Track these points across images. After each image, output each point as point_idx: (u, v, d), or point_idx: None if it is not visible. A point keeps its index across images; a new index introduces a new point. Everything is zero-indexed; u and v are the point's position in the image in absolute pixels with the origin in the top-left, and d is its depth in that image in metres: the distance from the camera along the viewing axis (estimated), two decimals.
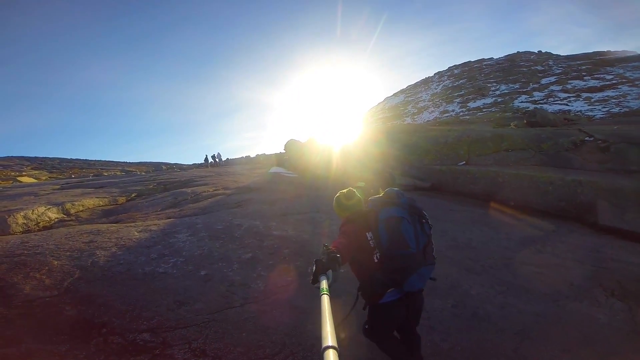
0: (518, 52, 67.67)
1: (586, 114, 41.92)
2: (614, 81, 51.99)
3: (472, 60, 70.82)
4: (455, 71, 67.76)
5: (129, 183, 13.44)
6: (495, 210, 8.72)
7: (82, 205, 8.26)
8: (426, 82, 74.59)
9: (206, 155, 28.55)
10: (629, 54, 57.86)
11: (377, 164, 12.37)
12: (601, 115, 37.07)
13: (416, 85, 75.74)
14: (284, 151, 25.83)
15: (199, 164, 35.13)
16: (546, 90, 55.23)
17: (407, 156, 11.95)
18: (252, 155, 37.49)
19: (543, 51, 64.89)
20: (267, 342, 2.61)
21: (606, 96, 48.62)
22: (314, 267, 1.58)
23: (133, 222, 6.40)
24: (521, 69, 62.33)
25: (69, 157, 69.66)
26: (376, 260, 1.94)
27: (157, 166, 37.49)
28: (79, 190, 11.40)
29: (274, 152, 34.34)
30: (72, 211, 7.78)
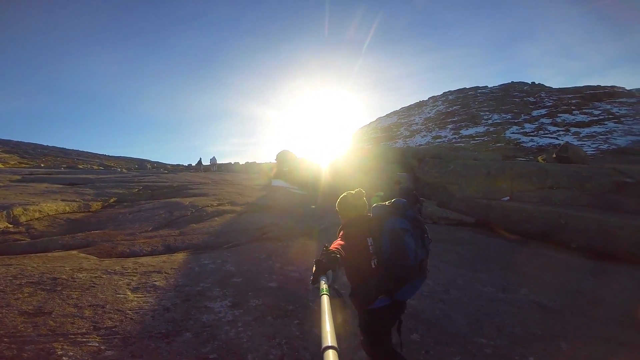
0: (512, 82, 69.42)
1: None
2: (601, 117, 53.68)
3: (467, 87, 71.97)
4: (450, 97, 68.54)
5: (107, 182, 11.03)
6: (564, 253, 7.55)
7: (40, 212, 5.94)
8: (420, 105, 75.15)
9: (200, 159, 25.55)
10: (617, 90, 60.06)
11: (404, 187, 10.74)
12: (591, 152, 37.51)
13: (410, 107, 76.13)
14: (276, 161, 24.22)
15: (186, 165, 32.09)
16: (537, 123, 56.36)
17: (446, 185, 10.33)
18: (241, 162, 35.00)
19: (536, 82, 66.80)
20: None
21: (594, 132, 49.95)
22: (314, 268, 1.57)
23: (112, 252, 4.27)
24: (514, 99, 63.71)
25: (45, 144, 64.86)
26: (373, 267, 1.89)
27: (140, 164, 31.55)
28: (42, 186, 8.95)
29: (264, 162, 32.40)
30: (23, 219, 5.46)
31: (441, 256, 5.44)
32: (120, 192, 9.17)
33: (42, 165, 21.99)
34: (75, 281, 3.04)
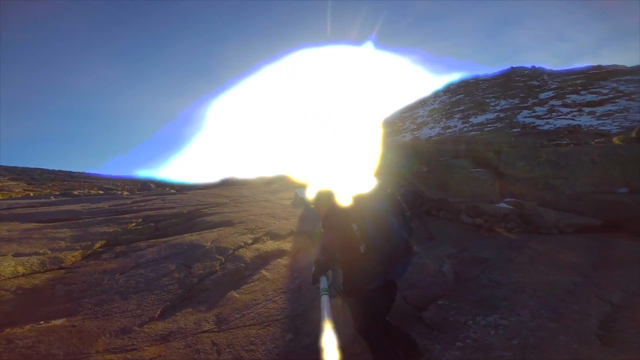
0: (512, 67, 67.41)
1: (599, 128, 40.27)
2: (610, 95, 51.75)
3: (466, 78, 70.11)
4: (451, 87, 66.57)
5: (97, 214, 8.42)
6: None
7: None
8: (424, 101, 73.16)
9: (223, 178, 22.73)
10: (620, 68, 58.35)
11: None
12: (617, 130, 35.24)
13: (413, 106, 74.10)
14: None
15: (194, 184, 28.88)
16: (547, 105, 54.39)
17: (547, 180, 7.86)
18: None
19: (536, 66, 65.00)
20: None
21: (609, 110, 47.90)
22: (313, 268, 1.62)
23: None
24: (517, 84, 61.72)
25: (51, 168, 62.90)
26: (362, 252, 1.87)
27: (144, 184, 27.00)
28: (3, 229, 6.36)
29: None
30: None
31: None
32: (111, 230, 6.54)
33: (32, 194, 19.09)
34: None
